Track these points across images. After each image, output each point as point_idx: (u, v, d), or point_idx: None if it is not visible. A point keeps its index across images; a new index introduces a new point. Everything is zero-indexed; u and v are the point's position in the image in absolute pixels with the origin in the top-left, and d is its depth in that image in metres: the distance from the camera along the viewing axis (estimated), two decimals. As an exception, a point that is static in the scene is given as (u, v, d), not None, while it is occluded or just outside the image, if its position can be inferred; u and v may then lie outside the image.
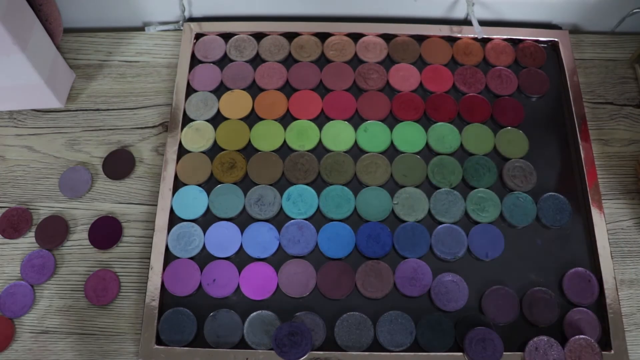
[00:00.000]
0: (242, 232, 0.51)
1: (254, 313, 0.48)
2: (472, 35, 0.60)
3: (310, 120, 0.56)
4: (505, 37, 0.61)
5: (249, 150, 0.55)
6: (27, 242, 0.52)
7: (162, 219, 0.51)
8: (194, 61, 0.60)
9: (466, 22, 0.63)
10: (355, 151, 0.55)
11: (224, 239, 0.51)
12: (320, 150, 0.55)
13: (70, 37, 0.63)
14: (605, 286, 0.49)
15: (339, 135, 0.55)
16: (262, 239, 0.51)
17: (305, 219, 0.52)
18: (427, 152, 0.55)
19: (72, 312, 0.50)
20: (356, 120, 0.57)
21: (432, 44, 0.60)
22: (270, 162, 0.54)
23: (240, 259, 0.50)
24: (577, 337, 0.47)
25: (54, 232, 0.52)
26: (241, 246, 0.51)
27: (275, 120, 0.56)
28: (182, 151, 0.55)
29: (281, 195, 0.52)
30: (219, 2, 0.62)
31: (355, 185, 0.53)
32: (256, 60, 0.60)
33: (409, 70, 0.59)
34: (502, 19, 0.63)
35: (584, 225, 0.52)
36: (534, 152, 0.55)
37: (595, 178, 0.53)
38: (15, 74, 0.52)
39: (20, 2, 0.50)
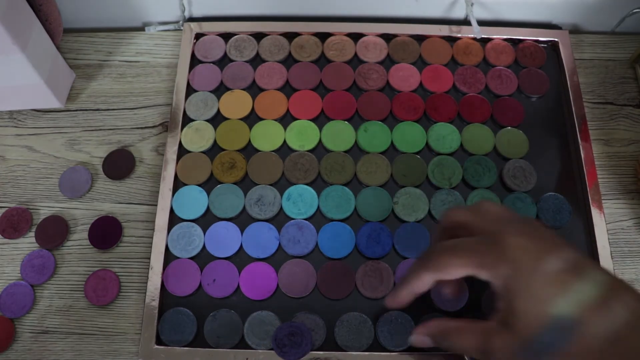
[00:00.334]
0: (242, 232, 0.51)
1: (254, 313, 0.48)
2: (472, 36, 0.60)
3: (310, 120, 0.56)
4: (505, 37, 0.61)
5: (249, 150, 0.55)
6: (27, 242, 0.52)
7: (162, 219, 0.51)
8: (194, 61, 0.60)
9: (466, 22, 0.63)
10: (355, 151, 0.55)
11: (224, 239, 0.51)
12: (320, 150, 0.55)
13: (70, 37, 0.63)
14: (605, 286, 0.49)
15: (339, 136, 0.55)
16: (262, 239, 0.51)
17: (305, 219, 0.52)
18: (427, 152, 0.55)
19: (72, 312, 0.50)
20: (356, 120, 0.57)
21: (432, 44, 0.60)
22: (270, 162, 0.54)
23: (240, 259, 0.50)
24: None
25: (54, 232, 0.52)
26: (241, 246, 0.51)
27: (275, 120, 0.57)
28: (182, 151, 0.55)
29: (281, 195, 0.52)
30: (219, 2, 0.62)
31: (355, 185, 0.53)
32: (256, 60, 0.60)
33: (409, 70, 0.59)
34: (502, 19, 0.63)
35: (584, 225, 0.52)
36: (534, 152, 0.55)
37: (595, 178, 0.53)
38: (15, 74, 0.52)
39: (20, 2, 0.50)
